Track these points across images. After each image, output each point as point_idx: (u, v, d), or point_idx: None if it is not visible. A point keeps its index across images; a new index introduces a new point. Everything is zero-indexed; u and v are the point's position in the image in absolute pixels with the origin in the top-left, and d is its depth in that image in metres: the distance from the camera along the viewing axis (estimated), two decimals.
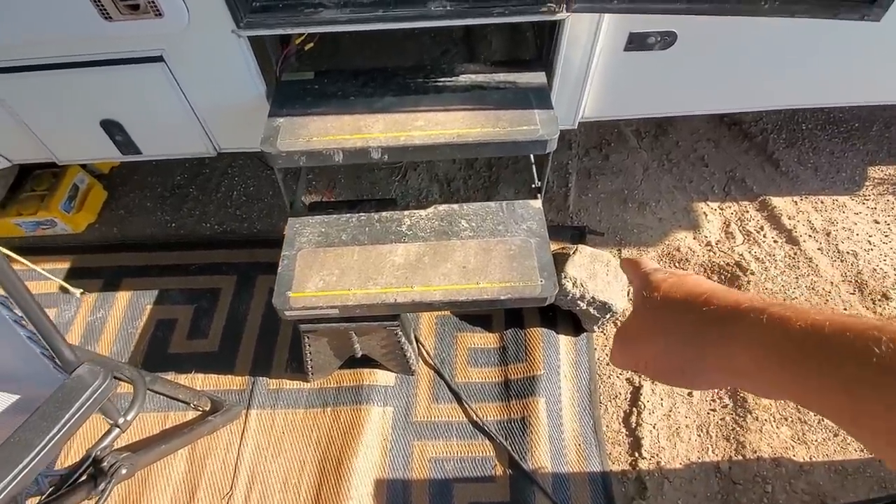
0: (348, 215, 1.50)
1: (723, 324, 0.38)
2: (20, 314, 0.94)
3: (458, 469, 1.58)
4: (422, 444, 1.62)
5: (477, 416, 1.64)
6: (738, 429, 1.60)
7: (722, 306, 0.39)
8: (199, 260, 2.00)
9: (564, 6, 1.19)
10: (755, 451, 1.55)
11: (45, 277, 1.78)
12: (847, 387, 0.30)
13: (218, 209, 2.15)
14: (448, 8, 1.21)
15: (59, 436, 0.94)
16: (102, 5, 1.15)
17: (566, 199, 2.13)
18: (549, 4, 1.21)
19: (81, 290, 1.44)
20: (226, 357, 1.78)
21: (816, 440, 1.56)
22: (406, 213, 1.50)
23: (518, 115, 1.33)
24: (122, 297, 1.90)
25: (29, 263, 1.39)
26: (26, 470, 0.88)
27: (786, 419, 1.60)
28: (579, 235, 2.01)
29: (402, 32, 2.38)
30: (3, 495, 0.85)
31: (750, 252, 1.96)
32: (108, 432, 1.19)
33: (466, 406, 1.67)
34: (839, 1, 1.04)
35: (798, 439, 1.57)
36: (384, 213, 1.50)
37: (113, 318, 1.86)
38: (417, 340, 1.76)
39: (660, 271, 0.48)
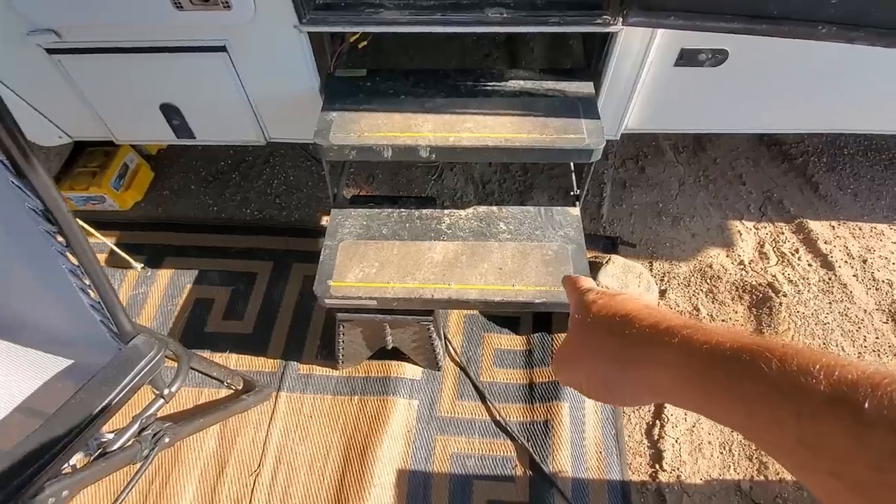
0: (389, 210, 1.54)
1: (642, 345, 0.40)
2: (87, 283, 0.99)
3: (479, 466, 1.60)
4: (444, 438, 1.65)
5: (500, 415, 1.67)
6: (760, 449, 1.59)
7: (642, 328, 0.40)
8: (237, 244, 2.06)
9: (620, 19, 1.21)
10: (777, 473, 1.55)
11: (101, 250, 1.86)
12: (744, 404, 0.32)
13: (258, 196, 2.22)
14: (505, 15, 1.24)
15: (116, 400, 0.99)
16: None
17: (600, 209, 2.14)
18: (604, 17, 1.23)
19: (142, 265, 1.50)
20: (259, 340, 1.83)
21: None
22: (445, 212, 1.53)
23: (565, 123, 1.35)
24: (164, 275, 1.97)
25: (99, 236, 1.46)
26: (89, 429, 0.93)
27: None
28: (611, 245, 2.01)
29: (446, 34, 2.43)
30: (66, 450, 0.91)
31: (783, 274, 1.94)
32: (153, 402, 1.25)
33: (490, 405, 1.69)
34: None
35: None
36: (424, 211, 1.54)
37: (154, 295, 1.93)
38: (445, 338, 1.79)
39: (593, 291, 0.49)
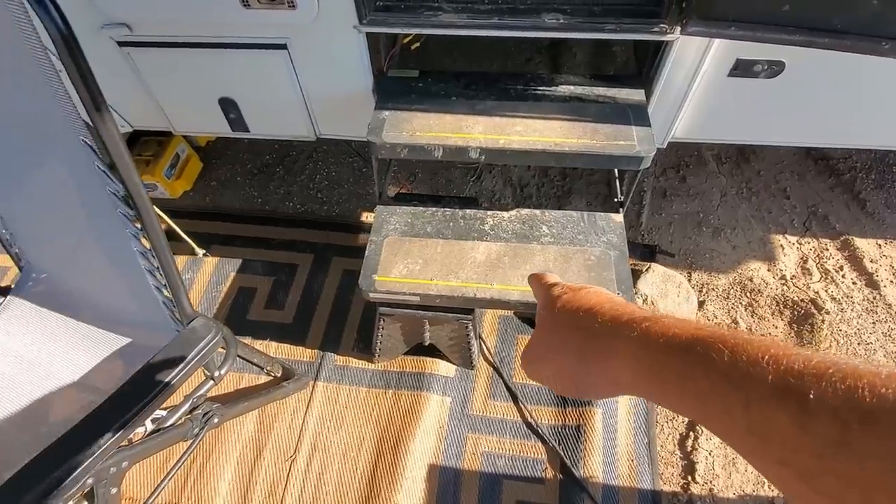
0: (433, 209, 1.57)
1: (604, 338, 0.40)
2: (155, 265, 1.04)
3: (509, 466, 1.62)
4: (476, 436, 1.67)
5: (532, 417, 1.68)
6: None
7: (604, 321, 0.41)
8: (280, 236, 2.12)
9: (678, 29, 1.21)
10: None
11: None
12: (697, 393, 0.32)
13: (301, 190, 2.28)
14: (562, 21, 1.26)
15: (177, 378, 1.04)
16: None
17: (639, 217, 2.13)
18: (661, 25, 1.24)
19: (205, 251, 1.56)
20: (298, 329, 1.88)
21: None
22: (489, 213, 1.55)
23: (616, 129, 1.36)
24: (210, 263, 2.04)
25: (170, 221, 1.53)
26: (152, 403, 0.98)
27: None
28: (649, 254, 2.00)
29: (492, 38, 2.46)
30: (131, 423, 0.96)
31: (826, 291, 1.90)
32: (203, 383, 1.30)
33: (522, 406, 1.71)
34: None
35: None
36: (468, 211, 1.56)
37: (199, 281, 2.00)
38: (480, 337, 1.81)
39: (558, 286, 0.49)
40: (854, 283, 1.93)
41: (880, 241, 2.02)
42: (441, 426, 1.68)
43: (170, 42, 1.45)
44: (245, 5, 1.29)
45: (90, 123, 0.80)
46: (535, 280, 0.54)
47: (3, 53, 0.76)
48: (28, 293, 1.37)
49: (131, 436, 1.15)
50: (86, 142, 0.83)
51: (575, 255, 1.44)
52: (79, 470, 0.91)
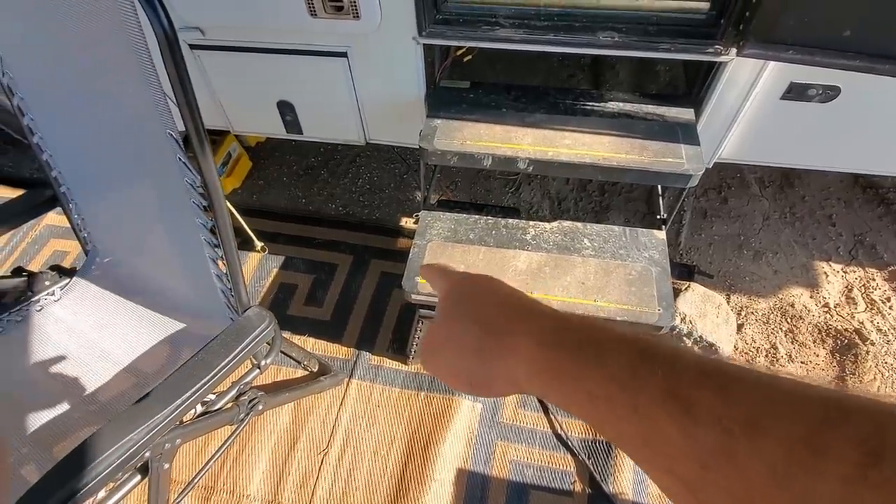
0: (476, 216, 1.60)
1: (503, 334, 0.38)
2: (219, 254, 1.10)
3: (537, 477, 1.62)
4: (505, 444, 1.68)
5: (562, 429, 1.68)
6: None
7: (503, 315, 0.39)
8: (322, 236, 2.19)
9: (734, 50, 1.22)
10: None
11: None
12: (587, 395, 0.31)
13: (344, 193, 2.34)
14: (616, 39, 1.29)
15: (232, 363, 1.09)
16: (312, 3, 1.33)
17: (678, 236, 2.12)
18: (717, 46, 1.25)
19: (262, 245, 1.63)
20: (336, 327, 1.93)
21: None
22: (531, 223, 1.58)
23: (664, 147, 1.37)
24: (254, 258, 2.12)
25: (238, 215, 1.60)
26: (208, 384, 1.04)
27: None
28: (687, 273, 1.99)
29: (535, 53, 2.50)
30: (187, 403, 1.01)
31: (872, 322, 1.86)
32: (249, 371, 1.36)
33: (552, 417, 1.71)
34: None
35: None
36: (510, 221, 1.59)
37: (244, 275, 2.07)
38: None
39: (456, 274, 0.47)
40: None
41: None
42: (471, 431, 1.70)
43: (238, 47, 1.53)
44: (312, 14, 1.35)
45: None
46: (433, 270, 0.50)
47: (104, 45, 0.83)
48: (92, 275, 1.46)
49: (184, 417, 1.21)
50: (171, 134, 0.89)
51: (616, 269, 1.45)
52: (140, 443, 0.96)
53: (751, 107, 1.42)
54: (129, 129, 1.01)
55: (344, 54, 1.47)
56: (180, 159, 0.94)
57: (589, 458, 1.62)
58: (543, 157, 1.37)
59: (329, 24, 1.37)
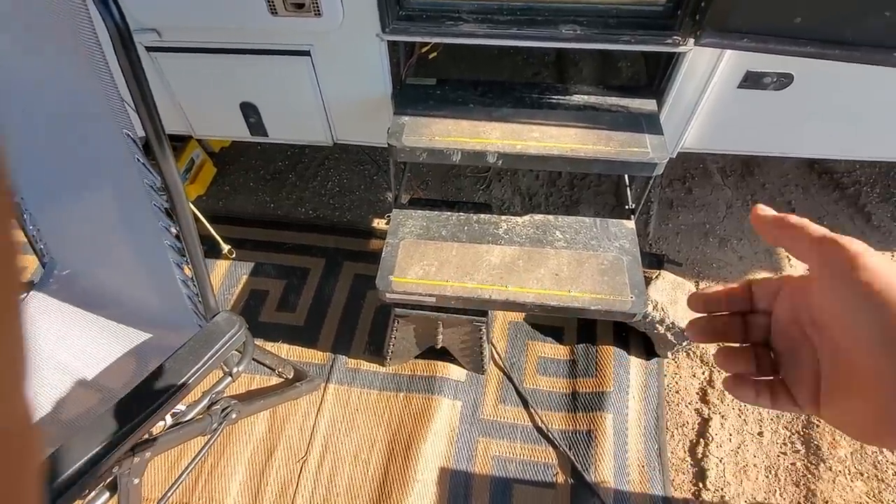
0: (448, 213, 1.60)
1: None
2: (184, 258, 1.07)
3: (520, 471, 1.62)
4: (486, 441, 1.67)
5: (542, 422, 1.69)
6: (809, 476, 1.57)
7: None
8: (292, 240, 2.15)
9: (692, 40, 1.25)
10: (826, 502, 1.52)
11: None
12: None
13: (313, 196, 2.31)
14: (578, 32, 1.30)
15: (202, 370, 1.06)
16: (272, 1, 1.31)
17: (647, 227, 2.16)
18: (675, 37, 1.28)
19: (230, 248, 1.58)
20: (310, 332, 1.90)
21: (894, 500, 1.52)
22: (502, 218, 1.58)
23: (629, 137, 1.39)
24: (222, 265, 2.07)
25: (203, 219, 1.55)
26: (178, 393, 1.00)
27: (861, 474, 1.57)
28: (657, 262, 2.03)
29: (498, 51, 2.50)
30: (155, 415, 0.97)
31: None
32: (221, 380, 1.32)
33: (533, 411, 1.72)
34: None
35: (873, 496, 1.53)
36: (482, 216, 1.59)
37: (212, 283, 2.01)
38: (490, 342, 1.82)
39: (866, 250, 0.32)
40: None
41: (886, 254, 2.05)
42: (452, 429, 1.69)
43: (196, 48, 1.49)
44: (272, 12, 1.33)
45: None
46: (796, 230, 0.35)
47: (53, 40, 0.79)
48: (50, 289, 1.39)
49: (152, 429, 1.16)
50: (128, 134, 0.86)
51: (588, 259, 1.47)
52: (106, 458, 0.92)
53: (710, 96, 1.46)
54: (84, 131, 0.97)
55: (307, 53, 1.45)
56: (139, 160, 0.90)
57: (570, 450, 1.63)
58: (512, 151, 1.37)
59: (290, 22, 1.34)
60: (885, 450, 1.60)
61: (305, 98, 1.58)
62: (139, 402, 1.01)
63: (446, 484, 1.59)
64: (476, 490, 1.59)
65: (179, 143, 2.23)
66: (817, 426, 1.65)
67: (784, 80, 1.40)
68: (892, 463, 1.58)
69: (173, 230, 1.00)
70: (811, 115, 1.52)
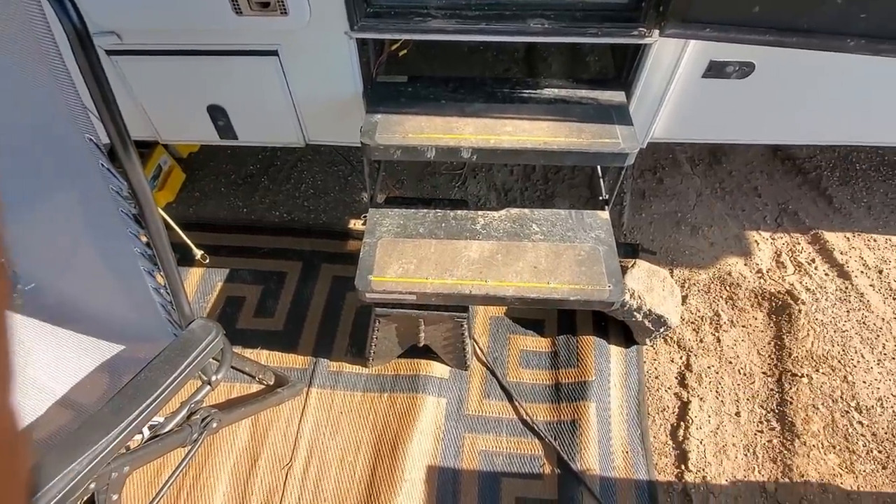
0: (425, 211, 1.59)
1: None
2: (156, 266, 1.04)
3: (507, 464, 1.63)
4: (473, 436, 1.68)
5: (527, 414, 1.70)
6: (785, 452, 1.62)
7: None
8: (267, 244, 2.11)
9: (657, 31, 1.28)
10: (802, 476, 1.57)
11: None
12: None
13: (287, 199, 2.28)
14: (546, 26, 1.32)
15: (178, 380, 1.03)
16: (237, 1, 1.28)
17: (620, 217, 2.20)
18: (640, 29, 1.31)
19: (203, 253, 1.54)
20: (290, 337, 1.87)
21: (865, 470, 1.58)
22: (479, 213, 1.59)
23: (600, 128, 1.41)
24: (196, 273, 2.02)
25: (175, 225, 1.52)
26: (154, 405, 0.97)
27: (834, 447, 1.62)
28: (632, 252, 2.06)
29: (468, 48, 2.51)
30: (135, 425, 0.95)
31: (801, 283, 1.99)
32: (200, 389, 1.29)
33: (517, 404, 1.73)
34: None
35: (846, 468, 1.59)
36: (458, 212, 1.59)
37: (186, 291, 1.97)
38: (472, 338, 1.83)
39: None
40: (826, 275, 2.02)
41: (848, 234, 2.13)
42: (438, 427, 1.69)
43: (160, 50, 1.45)
44: (237, 12, 1.30)
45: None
46: None
47: (11, 45, 0.76)
48: (15, 304, 1.34)
49: (129, 442, 1.13)
50: (91, 139, 0.83)
51: (566, 251, 1.48)
52: (82, 474, 0.89)
53: (676, 86, 1.49)
54: (45, 138, 0.93)
55: (274, 52, 1.43)
56: (103, 165, 0.87)
57: (556, 440, 1.65)
58: (486, 146, 1.38)
59: (256, 21, 1.32)
60: (854, 422, 1.66)
61: (275, 99, 1.55)
62: (114, 416, 0.98)
63: (434, 482, 1.59)
64: (464, 486, 1.59)
65: (146, 149, 2.17)
66: (791, 403, 1.70)
67: (746, 69, 1.44)
68: (861, 435, 1.64)
69: (143, 237, 0.98)
70: (773, 103, 1.57)
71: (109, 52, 1.45)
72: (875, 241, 2.11)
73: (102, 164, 0.87)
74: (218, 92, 1.57)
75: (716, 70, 1.45)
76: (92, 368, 1.26)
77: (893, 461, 1.59)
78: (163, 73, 1.52)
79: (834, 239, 2.11)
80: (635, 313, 1.70)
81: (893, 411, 1.68)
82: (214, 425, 1.26)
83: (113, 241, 1.02)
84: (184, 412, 1.23)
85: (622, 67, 1.58)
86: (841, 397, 1.71)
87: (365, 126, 1.44)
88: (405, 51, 1.66)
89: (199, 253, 1.52)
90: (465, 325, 1.57)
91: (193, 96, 1.58)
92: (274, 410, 1.69)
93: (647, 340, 1.80)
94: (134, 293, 1.14)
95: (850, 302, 1.93)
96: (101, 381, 1.25)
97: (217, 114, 1.63)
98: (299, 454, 1.63)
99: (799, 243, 2.12)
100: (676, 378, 1.79)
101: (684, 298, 1.95)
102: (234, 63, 1.46)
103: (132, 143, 0.82)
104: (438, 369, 1.78)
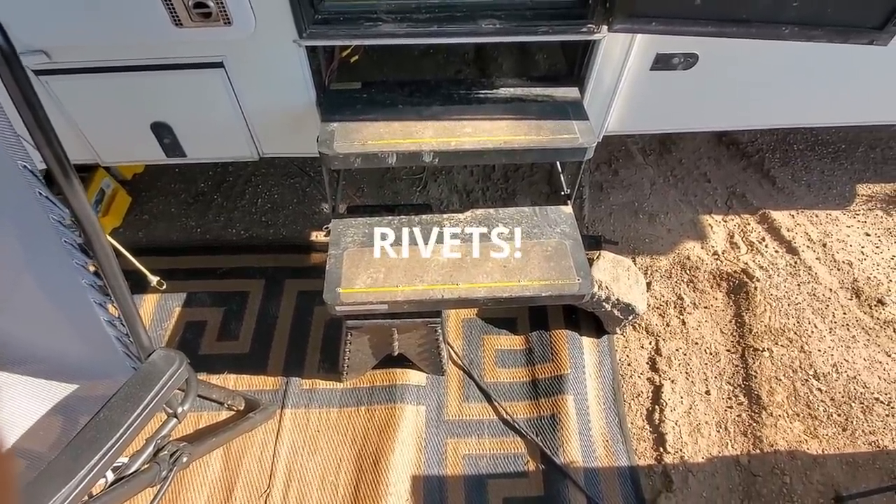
0: (389, 217, 1.57)
1: None
2: (108, 297, 0.97)
3: (492, 465, 1.62)
4: (455, 441, 1.66)
5: (507, 413, 1.70)
6: (754, 424, 1.69)
7: None
8: (226, 264, 2.03)
9: (605, 27, 1.30)
10: (772, 445, 1.64)
11: None
12: None
13: (243, 215, 2.20)
14: (497, 26, 1.32)
15: (142, 415, 0.97)
16: (175, 12, 1.22)
17: (581, 210, 2.24)
18: (589, 25, 1.33)
19: (159, 279, 1.44)
20: (257, 358, 1.80)
21: (827, 434, 1.66)
22: (444, 216, 1.58)
23: (557, 124, 1.43)
24: (150, 300, 1.92)
25: (125, 251, 1.42)
26: (117, 445, 0.91)
27: (798, 415, 1.70)
28: (596, 243, 2.10)
29: (419, 51, 2.50)
30: (97, 470, 0.88)
31: (754, 261, 2.08)
32: (166, 422, 1.22)
33: (496, 405, 1.72)
34: (851, 27, 1.18)
35: (810, 433, 1.67)
36: (423, 216, 1.57)
37: (142, 319, 1.86)
38: (446, 342, 1.81)
39: None
40: (776, 252, 2.12)
41: (793, 212, 2.25)
42: (419, 436, 1.66)
43: (94, 67, 1.37)
44: (177, 24, 1.24)
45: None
46: None
47: None
48: None
49: (92, 489, 1.05)
50: (25, 166, 0.77)
51: (533, 247, 1.49)
52: None
53: (626, 80, 1.53)
54: None
55: (220, 64, 1.37)
56: (41, 194, 0.81)
57: (538, 436, 1.65)
58: (447, 148, 1.37)
59: (198, 33, 1.26)
60: (814, 389, 1.75)
61: (223, 112, 1.49)
62: (73, 463, 0.91)
63: (420, 492, 1.57)
64: (450, 492, 1.58)
65: (85, 173, 2.04)
66: (755, 377, 1.77)
67: (690, 60, 1.49)
68: (821, 401, 1.73)
69: (91, 267, 0.91)
70: (716, 91, 1.63)
71: (38, 73, 1.35)
72: (817, 216, 2.23)
73: (40, 193, 0.80)
74: (161, 108, 1.49)
75: (663, 62, 1.50)
76: (43, 413, 1.16)
77: (852, 423, 1.69)
78: (99, 91, 1.43)
79: (780, 217, 2.22)
80: (604, 304, 1.73)
81: (847, 376, 1.78)
82: (185, 460, 1.19)
83: (58, 274, 0.95)
84: (150, 449, 1.15)
85: (574, 64, 1.60)
86: (800, 367, 1.80)
87: (322, 135, 1.40)
88: (356, 57, 1.63)
89: (154, 279, 1.44)
90: (439, 330, 1.56)
91: (135, 114, 1.50)
92: (247, 437, 1.62)
93: (618, 329, 1.84)
94: (86, 328, 1.06)
95: (799, 276, 2.03)
96: (56, 425, 1.16)
97: (162, 131, 1.55)
98: (277, 480, 1.56)
99: (749, 224, 2.22)
100: (647, 363, 1.84)
101: (649, 285, 2.00)
102: (177, 77, 1.39)
103: (72, 167, 0.76)
104: (415, 377, 1.76)
